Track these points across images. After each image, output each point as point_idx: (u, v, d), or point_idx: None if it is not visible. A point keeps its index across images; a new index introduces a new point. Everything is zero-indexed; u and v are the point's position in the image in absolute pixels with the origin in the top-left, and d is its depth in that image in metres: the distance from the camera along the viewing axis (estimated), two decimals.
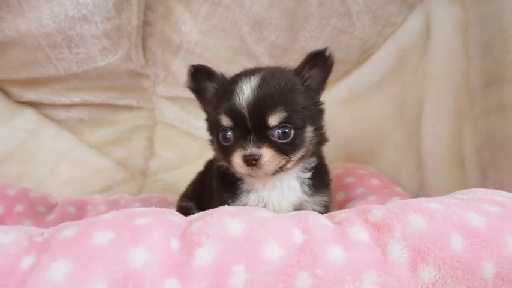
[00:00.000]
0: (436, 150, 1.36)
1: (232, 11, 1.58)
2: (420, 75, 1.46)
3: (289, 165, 1.00)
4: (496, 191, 0.95)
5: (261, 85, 0.97)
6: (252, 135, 0.97)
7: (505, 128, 1.15)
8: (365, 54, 1.65)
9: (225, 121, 0.99)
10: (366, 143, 1.67)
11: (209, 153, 1.92)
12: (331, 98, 1.74)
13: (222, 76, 1.12)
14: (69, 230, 0.70)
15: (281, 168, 0.99)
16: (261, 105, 0.96)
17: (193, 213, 0.84)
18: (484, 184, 1.20)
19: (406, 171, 1.53)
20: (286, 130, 0.97)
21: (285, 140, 0.98)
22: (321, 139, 1.08)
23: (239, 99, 0.96)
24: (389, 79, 1.60)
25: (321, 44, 1.61)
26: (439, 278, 0.70)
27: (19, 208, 1.39)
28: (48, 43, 1.48)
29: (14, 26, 1.43)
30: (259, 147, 0.95)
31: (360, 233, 0.75)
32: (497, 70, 1.18)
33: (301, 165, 1.06)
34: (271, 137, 0.97)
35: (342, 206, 1.34)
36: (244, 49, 1.66)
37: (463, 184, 1.29)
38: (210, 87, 1.11)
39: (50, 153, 1.72)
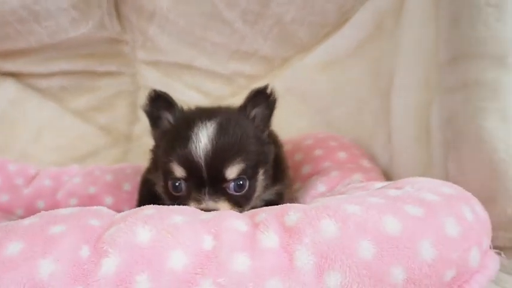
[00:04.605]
0: (405, 124, 1.31)
1: None
2: (394, 42, 1.38)
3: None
4: (440, 182, 0.94)
5: (219, 134, 0.92)
6: (207, 188, 0.92)
7: (466, 109, 1.09)
8: (344, 17, 1.57)
9: (178, 171, 0.94)
10: (344, 110, 1.63)
11: None
12: (310, 62, 1.71)
13: (182, 110, 1.05)
14: None
15: None
16: (219, 156, 0.91)
17: None
18: (445, 164, 1.17)
19: (380, 141, 1.49)
20: (242, 182, 0.94)
21: (240, 192, 0.95)
22: (269, 178, 1.05)
23: (195, 148, 0.91)
24: (367, 44, 1.52)
25: (294, 10, 1.54)
26: (345, 284, 0.71)
27: None
28: (15, 18, 1.47)
29: None
30: (216, 201, 0.92)
31: (270, 239, 0.76)
32: (463, 46, 1.10)
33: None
34: (227, 190, 0.94)
35: (306, 179, 1.34)
36: (217, 15, 1.60)
37: (428, 162, 1.26)
38: (166, 118, 1.06)
39: (33, 121, 1.76)
